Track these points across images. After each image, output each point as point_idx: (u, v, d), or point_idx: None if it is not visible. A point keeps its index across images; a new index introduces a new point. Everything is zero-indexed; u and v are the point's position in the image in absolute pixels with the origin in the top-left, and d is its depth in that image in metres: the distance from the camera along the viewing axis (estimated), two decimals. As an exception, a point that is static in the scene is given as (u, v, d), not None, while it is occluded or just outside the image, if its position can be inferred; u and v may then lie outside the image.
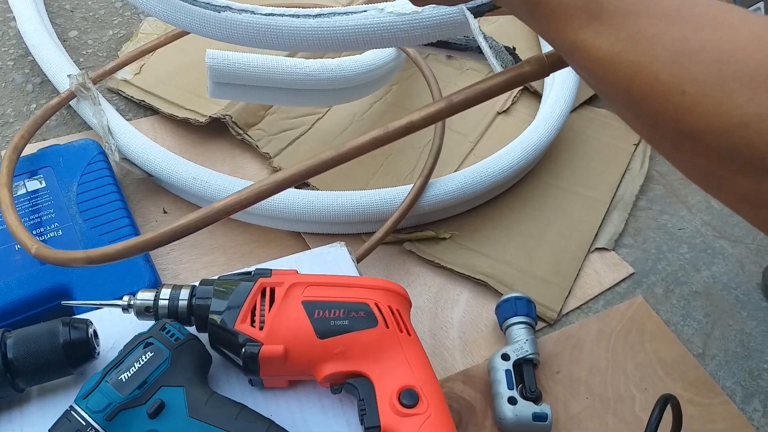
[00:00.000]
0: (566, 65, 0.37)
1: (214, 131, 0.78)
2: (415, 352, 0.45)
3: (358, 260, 0.62)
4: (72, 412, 0.40)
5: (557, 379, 0.59)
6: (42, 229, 0.61)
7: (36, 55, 0.78)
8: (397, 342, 0.44)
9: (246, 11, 0.54)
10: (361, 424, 0.42)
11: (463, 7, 0.49)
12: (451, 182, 0.68)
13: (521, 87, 0.86)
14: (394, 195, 0.67)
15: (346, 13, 0.53)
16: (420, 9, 0.51)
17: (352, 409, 0.45)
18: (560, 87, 0.80)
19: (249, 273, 0.47)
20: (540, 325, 0.64)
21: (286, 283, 0.45)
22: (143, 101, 0.79)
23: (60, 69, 0.75)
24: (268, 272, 0.46)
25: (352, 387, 0.43)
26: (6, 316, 0.55)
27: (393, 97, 0.84)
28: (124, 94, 0.80)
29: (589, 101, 0.86)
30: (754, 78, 0.26)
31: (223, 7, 0.55)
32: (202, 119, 0.76)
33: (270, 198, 0.62)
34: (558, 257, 0.69)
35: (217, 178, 0.67)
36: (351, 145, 0.43)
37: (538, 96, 0.86)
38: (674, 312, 0.66)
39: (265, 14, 0.54)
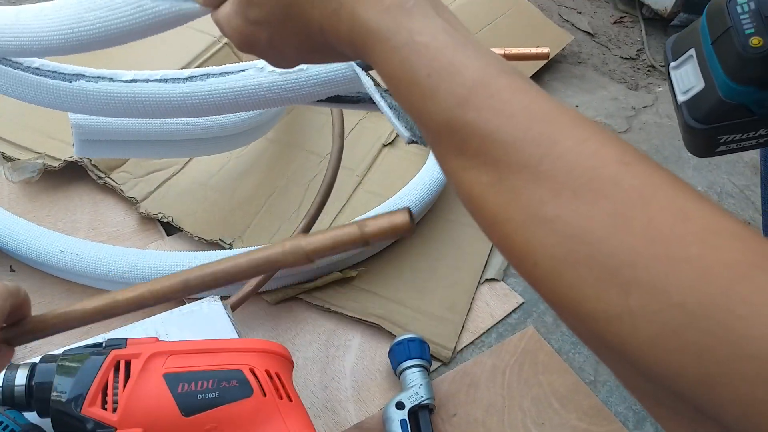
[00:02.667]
0: (331, 255, 0.31)
1: (71, 175, 0.70)
2: (297, 419, 0.40)
3: (233, 308, 0.57)
4: None
5: (454, 422, 0.57)
6: None
7: None
8: (276, 411, 0.40)
9: (103, 78, 0.47)
10: None
11: (351, 62, 0.46)
12: None
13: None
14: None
15: (221, 74, 0.48)
16: (305, 66, 0.48)
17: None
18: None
19: (100, 344, 0.41)
20: (435, 364, 0.61)
21: (144, 354, 0.40)
22: (-24, 146, 0.70)
23: None
24: (122, 342, 0.40)
25: (226, 467, 0.38)
26: None
27: (276, 132, 0.80)
28: (-42, 139, 0.71)
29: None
30: (604, 269, 0.22)
31: (74, 75, 0.47)
32: (56, 164, 0.68)
33: (123, 264, 0.55)
34: (450, 291, 0.68)
35: (89, 248, 0.59)
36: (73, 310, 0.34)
37: (421, 127, 0.85)
38: (564, 340, 0.66)
39: (127, 81, 0.47)
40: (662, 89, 1.10)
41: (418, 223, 0.73)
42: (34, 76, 0.48)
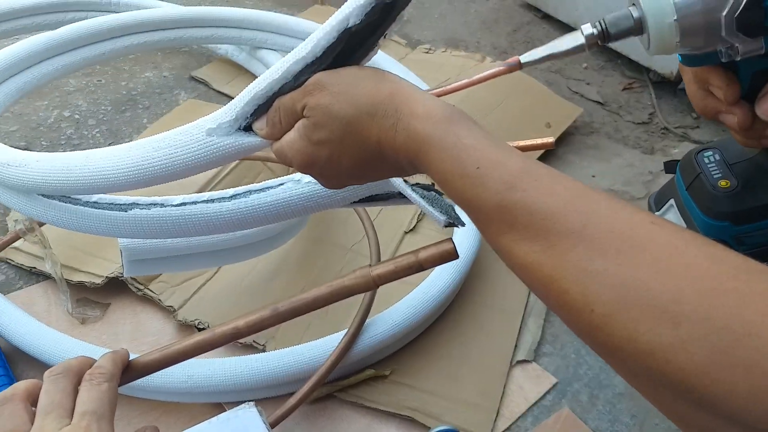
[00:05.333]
0: (397, 278, 0.40)
1: (113, 289, 0.74)
2: None
3: (281, 419, 0.59)
4: None
5: None
6: None
7: None
8: None
9: (155, 205, 0.52)
10: None
11: None
12: (391, 318, 0.66)
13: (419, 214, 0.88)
14: (326, 345, 0.64)
15: (262, 190, 0.53)
16: None
17: None
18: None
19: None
20: (472, 454, 0.61)
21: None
22: (34, 268, 0.75)
23: None
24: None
25: None
26: None
27: (307, 230, 0.83)
28: (12, 263, 0.76)
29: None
30: (654, 307, 0.26)
31: (129, 205, 0.53)
32: (99, 280, 0.73)
33: (180, 376, 0.58)
34: (482, 376, 0.68)
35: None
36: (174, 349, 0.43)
37: (441, 212, 0.88)
38: (602, 418, 0.66)
39: (177, 205, 0.52)
40: (678, 150, 1.12)
41: (447, 309, 0.75)
42: (92, 209, 0.53)
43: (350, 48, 0.39)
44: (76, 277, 0.73)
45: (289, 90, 0.40)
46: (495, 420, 0.64)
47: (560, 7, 1.35)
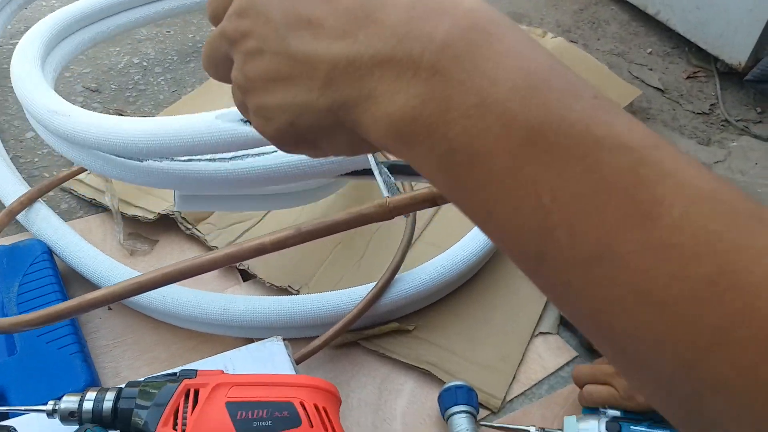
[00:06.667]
0: (412, 210, 0.40)
1: (163, 227, 0.79)
2: (339, 451, 0.44)
3: (305, 357, 0.62)
4: None
5: (500, 470, 0.58)
6: (-21, 332, 0.60)
7: None
8: (321, 441, 0.44)
9: (166, 159, 0.58)
10: None
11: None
12: (421, 275, 0.69)
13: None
14: (354, 295, 0.67)
15: (258, 155, 0.57)
16: None
17: None
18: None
19: (174, 374, 0.47)
20: (484, 413, 0.64)
21: (210, 384, 0.45)
22: (93, 199, 0.81)
23: (10, 190, 0.77)
24: (193, 373, 0.46)
25: (276, 490, 0.43)
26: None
27: (345, 187, 0.86)
28: (75, 193, 0.82)
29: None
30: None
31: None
32: (151, 216, 0.78)
33: (216, 308, 0.63)
34: (502, 341, 0.70)
35: (187, 294, 0.66)
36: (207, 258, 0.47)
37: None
38: (618, 395, 0.66)
39: (184, 160, 0.58)
40: (736, 144, 1.09)
41: (476, 275, 0.77)
42: (116, 158, 0.60)
43: None
44: (131, 211, 0.78)
45: None
46: (511, 383, 0.66)
47: (630, -12, 1.32)
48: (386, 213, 0.42)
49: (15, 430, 0.45)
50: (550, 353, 0.70)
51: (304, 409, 0.45)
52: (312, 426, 0.44)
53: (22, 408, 0.47)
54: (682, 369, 0.20)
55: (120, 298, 0.48)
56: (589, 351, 0.70)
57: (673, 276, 0.20)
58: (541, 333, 0.72)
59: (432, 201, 0.41)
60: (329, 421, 0.45)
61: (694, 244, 0.20)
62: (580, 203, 0.21)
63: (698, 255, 0.20)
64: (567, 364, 0.69)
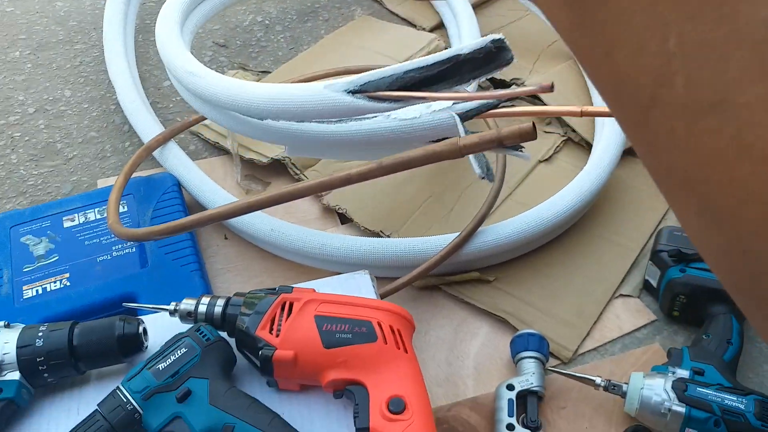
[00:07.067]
0: (480, 150, 0.43)
1: (275, 171, 0.87)
2: (408, 367, 0.50)
3: (389, 293, 0.68)
4: (117, 391, 0.49)
5: (562, 413, 0.62)
6: (121, 246, 0.72)
7: (129, 118, 0.92)
8: (393, 357, 0.50)
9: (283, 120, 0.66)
10: (354, 426, 0.48)
11: (453, 113, 0.58)
12: (504, 229, 0.72)
13: (564, 138, 0.91)
14: (439, 241, 0.71)
15: (359, 119, 0.63)
16: (418, 114, 0.60)
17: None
18: (610, 134, 0.83)
19: (274, 289, 0.54)
20: (555, 363, 0.67)
21: (303, 299, 0.53)
22: (217, 143, 0.91)
23: (148, 130, 0.88)
24: (289, 289, 0.54)
25: (351, 393, 0.49)
26: (84, 316, 0.66)
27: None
28: (202, 137, 0.92)
29: (630, 151, 0.89)
30: None
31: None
32: (265, 160, 0.86)
33: (315, 243, 0.72)
34: (581, 299, 0.72)
35: (291, 229, 0.74)
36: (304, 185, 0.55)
37: (579, 146, 0.90)
38: (693, 361, 0.67)
39: (298, 122, 0.65)
40: None
41: (562, 235, 0.79)
42: (239, 115, 0.69)
43: (451, 72, 0.50)
44: (248, 155, 0.87)
45: (394, 83, 0.54)
46: (584, 339, 0.69)
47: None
48: (457, 151, 0.46)
49: (142, 321, 0.55)
50: (629, 315, 0.71)
51: (381, 328, 0.51)
52: (386, 343, 0.50)
53: (150, 306, 0.57)
54: (763, 226, 0.21)
55: (232, 216, 0.56)
56: (669, 316, 0.71)
57: None
58: (621, 295, 0.73)
59: (498, 141, 0.44)
60: (402, 341, 0.51)
61: None
62: (706, 50, 0.21)
63: None
64: (644, 326, 0.70)
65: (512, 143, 0.46)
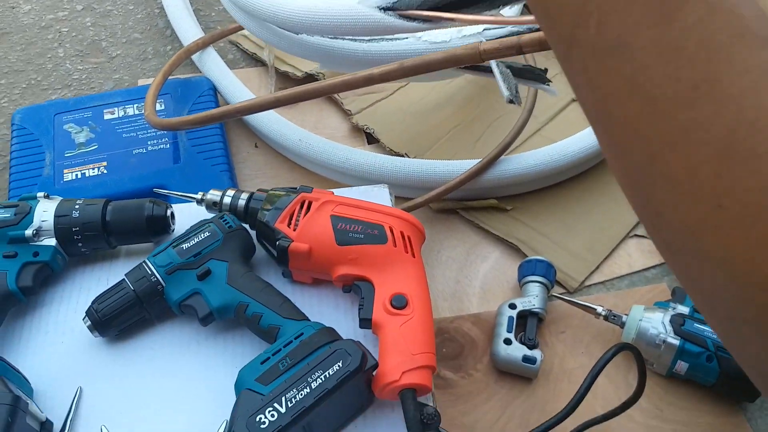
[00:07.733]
0: (500, 56, 0.43)
1: (309, 85, 0.89)
2: (414, 269, 0.52)
3: (407, 210, 0.70)
4: (144, 264, 0.52)
5: (561, 337, 0.64)
6: (156, 141, 0.75)
7: (172, 21, 0.94)
8: (401, 259, 0.53)
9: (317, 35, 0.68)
10: (358, 317, 0.51)
11: (483, 39, 0.58)
12: (527, 159, 0.73)
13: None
14: (461, 166, 0.73)
15: (391, 39, 0.64)
16: (448, 38, 0.60)
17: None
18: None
19: (295, 188, 0.57)
20: (561, 291, 0.69)
21: (321, 199, 0.55)
22: (254, 54, 0.92)
23: (190, 35, 0.90)
24: (309, 189, 0.56)
25: (358, 288, 0.52)
26: (117, 203, 0.70)
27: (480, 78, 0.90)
28: (240, 47, 0.94)
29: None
30: None
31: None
32: (299, 74, 0.88)
33: (340, 157, 0.74)
34: (595, 235, 0.73)
35: (318, 141, 0.76)
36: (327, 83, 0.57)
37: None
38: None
39: (331, 38, 0.67)
40: None
41: (583, 173, 0.79)
42: (278, 28, 0.70)
43: None
44: (283, 68, 0.89)
45: (426, 2, 0.54)
46: (592, 272, 0.70)
47: None
48: (476, 55, 0.47)
49: (170, 205, 0.58)
50: (640, 254, 0.72)
51: (392, 232, 0.53)
52: (395, 246, 0.53)
53: (179, 193, 0.60)
54: (647, 160, 0.24)
55: (260, 109, 0.59)
56: (679, 260, 0.71)
57: (667, 76, 0.23)
58: (636, 235, 0.74)
59: (518, 48, 0.45)
60: (411, 247, 0.54)
61: (695, 50, 0.22)
62: None
63: (693, 60, 0.22)
64: (654, 267, 0.71)
65: (532, 51, 0.47)
